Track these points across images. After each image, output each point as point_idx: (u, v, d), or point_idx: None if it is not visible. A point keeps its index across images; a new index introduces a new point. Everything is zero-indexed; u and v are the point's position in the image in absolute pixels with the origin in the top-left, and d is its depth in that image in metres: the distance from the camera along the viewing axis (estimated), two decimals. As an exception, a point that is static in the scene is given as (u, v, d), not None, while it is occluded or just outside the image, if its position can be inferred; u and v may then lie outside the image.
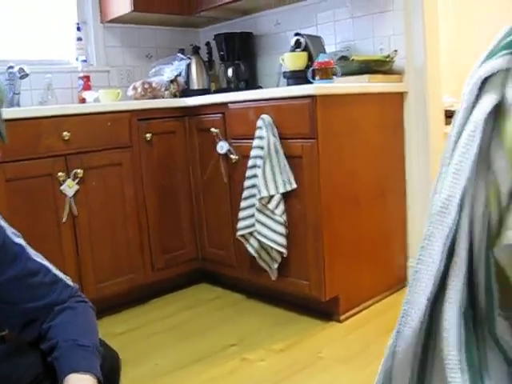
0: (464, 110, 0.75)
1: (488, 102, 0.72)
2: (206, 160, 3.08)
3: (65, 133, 2.68)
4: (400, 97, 2.94)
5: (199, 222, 3.22)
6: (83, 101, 3.39)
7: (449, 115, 3.06)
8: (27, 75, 3.10)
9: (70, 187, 2.69)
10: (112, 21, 3.62)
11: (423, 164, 2.93)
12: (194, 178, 3.20)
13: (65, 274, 1.35)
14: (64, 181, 2.67)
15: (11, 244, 1.24)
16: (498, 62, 0.71)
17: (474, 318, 0.79)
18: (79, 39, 3.52)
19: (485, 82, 0.73)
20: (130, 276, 2.98)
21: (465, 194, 0.74)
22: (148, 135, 2.99)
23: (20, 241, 1.27)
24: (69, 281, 1.33)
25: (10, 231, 1.26)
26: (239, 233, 2.75)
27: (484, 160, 0.73)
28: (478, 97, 0.73)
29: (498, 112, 0.73)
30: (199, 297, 3.15)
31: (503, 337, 0.79)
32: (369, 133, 2.76)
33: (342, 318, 2.69)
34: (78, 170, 2.71)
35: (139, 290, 3.07)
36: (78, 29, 3.52)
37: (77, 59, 3.52)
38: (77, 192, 2.72)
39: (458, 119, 0.76)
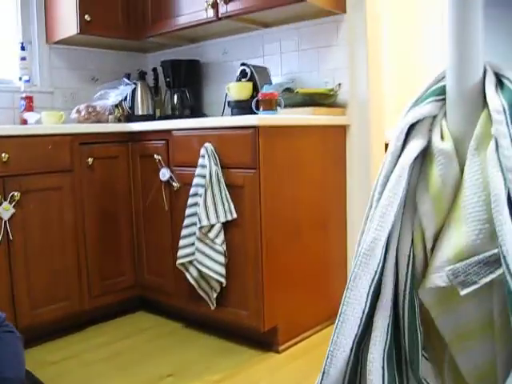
0: (391, 154, 0.76)
1: (414, 147, 0.74)
2: (148, 186, 3.05)
3: (3, 154, 2.61)
4: (343, 129, 2.99)
5: (139, 249, 3.18)
6: (25, 122, 3.32)
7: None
8: (-33, 93, 3.03)
9: (5, 210, 2.62)
10: (58, 42, 3.58)
11: (364, 196, 2.97)
12: (136, 205, 3.16)
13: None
14: (0, 203, 2.60)
15: None
16: (425, 109, 0.73)
17: (398, 360, 0.80)
18: (23, 58, 3.46)
19: (412, 127, 0.75)
20: (67, 302, 2.90)
21: (390, 236, 0.75)
22: (90, 159, 2.95)
23: None
24: (-5, 310, 1.29)
25: None
26: (179, 261, 2.72)
27: (411, 203, 0.75)
28: (405, 142, 0.75)
29: (424, 157, 0.75)
30: (137, 325, 3.10)
31: (426, 379, 0.80)
32: (311, 164, 2.79)
33: (281, 348, 2.68)
34: (16, 193, 2.65)
35: (76, 317, 2.99)
36: (23, 48, 3.46)
37: (20, 79, 3.46)
38: (13, 215, 2.65)
39: (386, 163, 0.77)
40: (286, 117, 2.70)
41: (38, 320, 2.78)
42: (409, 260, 0.74)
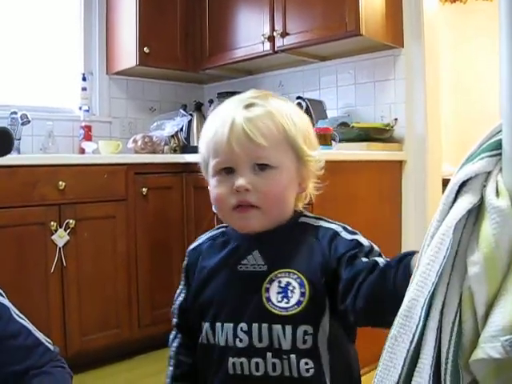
0: (440, 212, 0.72)
1: (464, 204, 0.69)
2: (201, 218, 3.05)
3: (60, 182, 2.66)
4: (399, 165, 2.94)
5: (190, 280, 3.17)
6: (82, 151, 3.39)
7: (447, 184, 3.04)
8: (29, 121, 3.12)
9: (60, 237, 2.66)
10: (118, 73, 3.66)
11: (420, 233, 2.90)
12: (188, 235, 3.16)
13: (46, 335, 1.29)
14: (56, 230, 2.65)
15: None
16: (478, 165, 0.68)
17: None
18: (84, 89, 3.55)
19: (463, 185, 0.70)
20: (116, 330, 2.91)
21: (433, 298, 0.70)
22: (144, 189, 2.97)
23: (3, 300, 1.23)
24: (50, 344, 1.28)
25: None
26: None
27: (461, 265, 0.70)
28: (454, 200, 0.71)
29: (477, 215, 0.70)
30: (185, 356, 3.07)
31: None
32: (366, 200, 2.74)
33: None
34: (71, 221, 2.68)
35: (124, 346, 2.99)
36: (84, 79, 3.55)
37: (80, 108, 3.54)
38: (67, 242, 2.69)
39: (433, 222, 0.73)
40: (341, 152, 2.67)
41: (88, 347, 2.79)
42: (453, 326, 0.69)
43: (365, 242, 1.04)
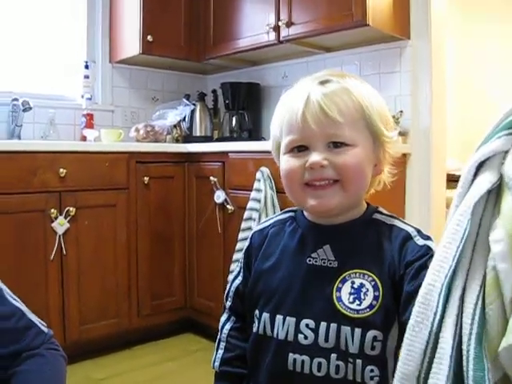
0: (457, 196, 0.69)
1: (483, 183, 0.66)
2: (203, 208, 3.03)
3: (61, 169, 2.64)
4: (403, 158, 2.91)
5: (190, 270, 3.16)
6: (84, 139, 3.36)
7: (451, 179, 3.02)
8: (31, 108, 3.10)
9: (60, 225, 2.64)
10: (121, 61, 3.63)
11: (424, 226, 2.86)
12: (189, 225, 3.14)
13: (40, 317, 1.27)
14: (56, 218, 2.62)
15: None
16: (495, 145, 0.65)
17: None
18: (86, 77, 3.51)
19: (481, 166, 0.67)
20: (116, 320, 2.90)
21: (451, 284, 0.67)
22: (146, 178, 2.95)
23: None
24: (43, 326, 1.26)
25: None
26: (230, 285, 2.67)
27: (483, 246, 0.67)
28: (472, 182, 0.67)
29: (498, 194, 0.67)
30: (185, 347, 3.06)
31: None
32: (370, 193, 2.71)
33: None
34: (71, 208, 2.67)
35: (124, 335, 2.98)
36: (86, 67, 3.52)
37: (82, 96, 3.51)
38: (67, 230, 2.67)
39: (452, 207, 0.70)
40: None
41: (86, 336, 2.78)
42: (475, 310, 0.65)
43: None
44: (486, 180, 0.65)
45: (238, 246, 2.65)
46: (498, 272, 0.62)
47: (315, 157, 0.98)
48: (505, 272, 0.62)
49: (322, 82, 1.02)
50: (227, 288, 1.20)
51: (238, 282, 1.17)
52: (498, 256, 0.62)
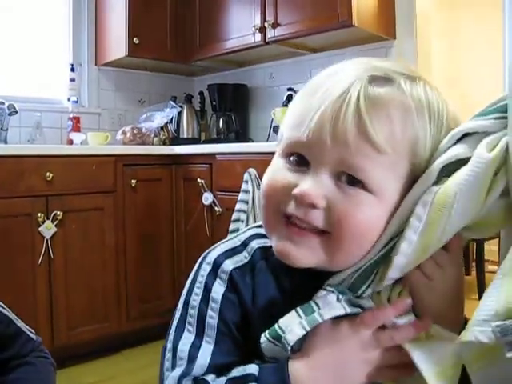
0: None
1: (455, 151, 0.66)
2: (191, 210, 3.03)
3: (48, 173, 2.62)
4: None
5: (179, 273, 3.14)
6: (71, 142, 3.35)
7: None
8: (16, 112, 3.07)
9: (48, 229, 2.62)
10: (107, 64, 3.62)
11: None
12: (177, 228, 3.14)
13: (33, 328, 1.26)
14: (43, 222, 2.61)
15: None
16: (483, 123, 0.66)
17: None
18: (72, 80, 3.50)
19: (464, 136, 0.68)
20: (104, 324, 2.88)
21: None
22: (133, 181, 2.94)
23: None
24: (31, 334, 1.25)
25: None
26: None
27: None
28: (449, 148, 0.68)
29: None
30: (174, 350, 3.04)
31: None
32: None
33: None
34: (58, 212, 2.65)
35: (112, 339, 2.96)
36: (72, 69, 3.50)
37: (68, 99, 3.50)
38: (55, 234, 2.65)
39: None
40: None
41: (75, 340, 2.76)
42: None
43: None
44: (453, 154, 0.66)
45: (227, 247, 2.64)
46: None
47: (310, 186, 0.66)
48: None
49: (375, 79, 0.68)
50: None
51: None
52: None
